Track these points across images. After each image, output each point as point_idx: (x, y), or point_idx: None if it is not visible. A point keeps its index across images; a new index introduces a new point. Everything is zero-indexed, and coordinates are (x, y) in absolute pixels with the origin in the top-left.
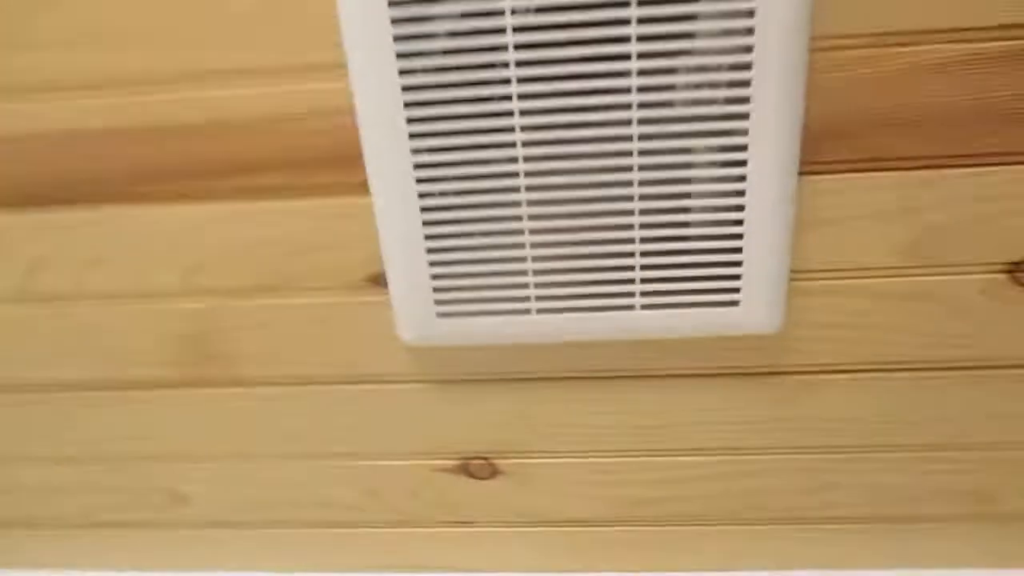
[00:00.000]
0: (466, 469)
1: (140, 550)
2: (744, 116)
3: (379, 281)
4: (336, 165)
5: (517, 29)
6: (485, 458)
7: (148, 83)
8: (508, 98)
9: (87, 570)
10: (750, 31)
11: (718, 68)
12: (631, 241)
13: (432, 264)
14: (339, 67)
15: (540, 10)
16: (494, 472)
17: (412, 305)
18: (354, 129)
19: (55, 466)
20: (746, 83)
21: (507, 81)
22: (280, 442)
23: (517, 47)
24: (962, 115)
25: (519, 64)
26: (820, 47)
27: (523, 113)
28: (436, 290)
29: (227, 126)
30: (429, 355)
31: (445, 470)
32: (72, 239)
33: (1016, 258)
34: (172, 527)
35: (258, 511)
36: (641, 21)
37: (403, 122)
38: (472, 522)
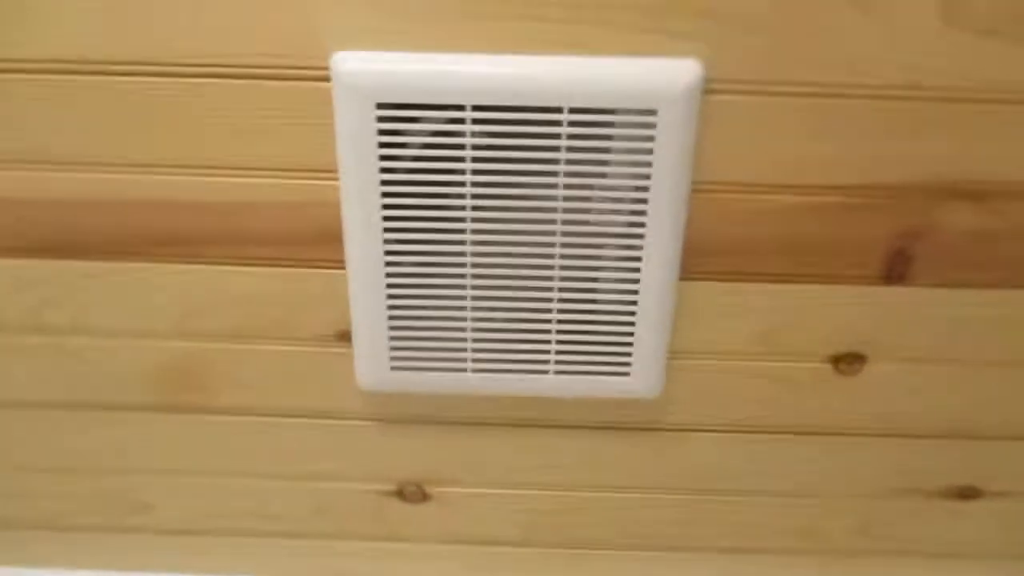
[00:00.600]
0: (401, 494)
1: (105, 552)
2: (640, 235)
3: (345, 337)
4: (319, 243)
5: (475, 147)
6: (418, 485)
7: (167, 166)
8: (463, 197)
9: (58, 568)
10: (648, 176)
11: (623, 197)
12: (549, 321)
13: (391, 327)
14: (330, 171)
15: (494, 135)
16: (424, 497)
17: (371, 359)
18: (337, 217)
19: (35, 474)
20: (643, 212)
21: (463, 184)
22: (243, 462)
23: (474, 159)
24: (797, 245)
25: (475, 172)
26: (698, 189)
27: (475, 209)
28: (392, 348)
29: (233, 205)
30: (379, 398)
31: (383, 493)
32: (83, 285)
33: (837, 353)
34: (136, 532)
35: (217, 520)
36: (569, 156)
37: (379, 215)
38: (404, 539)
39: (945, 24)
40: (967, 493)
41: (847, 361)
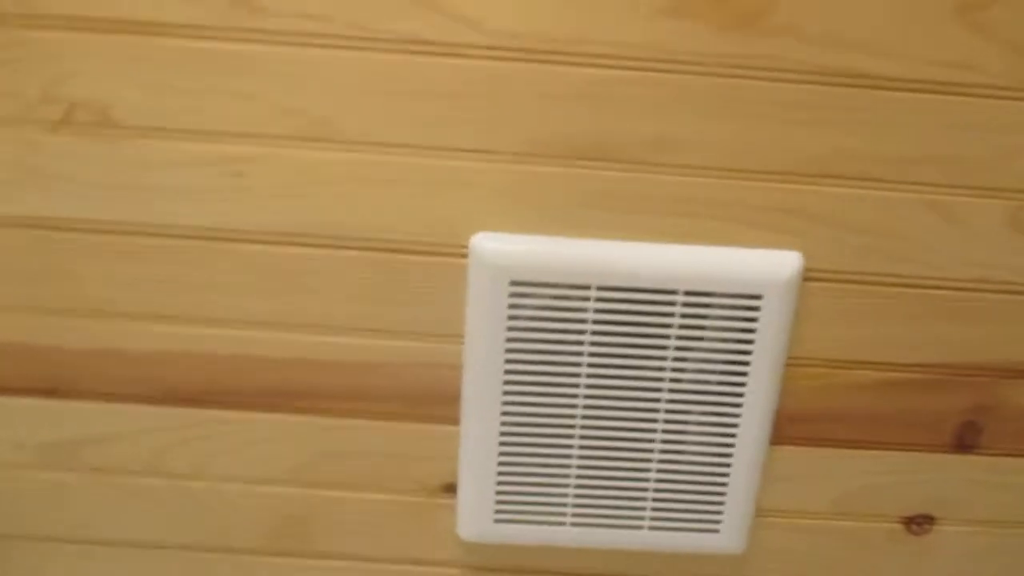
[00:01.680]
0: None
1: None
2: (740, 404)
3: (451, 489)
4: (436, 402)
5: (596, 322)
6: None
7: (303, 326)
8: (580, 366)
9: None
10: (750, 352)
11: (726, 370)
12: (648, 480)
13: (498, 482)
14: (456, 336)
15: (614, 311)
16: None
17: (475, 511)
18: (456, 378)
19: None
20: (743, 383)
21: (581, 355)
22: None
23: (594, 332)
24: (876, 416)
25: (592, 344)
26: (792, 363)
27: (589, 376)
28: (497, 501)
29: (361, 366)
30: (478, 549)
31: None
32: (207, 432)
33: (910, 514)
34: None
35: None
36: (680, 332)
37: (500, 378)
38: None
39: (1013, 230)
40: None
41: (918, 522)
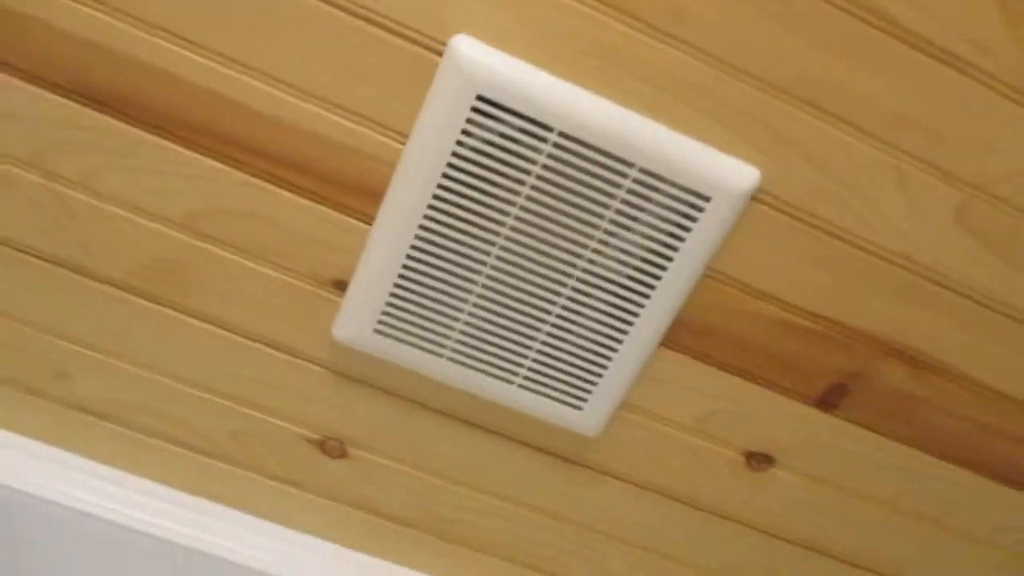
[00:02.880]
0: (323, 446)
1: (5, 408)
2: (647, 295)
3: (341, 287)
4: (357, 193)
5: (544, 167)
6: (341, 442)
7: (251, 68)
8: (513, 205)
9: None
10: (676, 249)
11: (648, 259)
12: (535, 340)
13: (392, 293)
14: (401, 134)
15: (565, 163)
16: (342, 455)
17: (358, 315)
18: (386, 176)
19: None
20: (658, 277)
21: (518, 195)
22: (184, 367)
23: (537, 177)
24: (764, 350)
25: (532, 188)
26: (708, 274)
27: (516, 220)
28: (384, 314)
29: (295, 128)
30: (345, 353)
31: (306, 440)
32: (110, 144)
33: (754, 450)
34: (47, 397)
35: (131, 413)
36: (619, 207)
37: (429, 191)
38: (302, 486)
39: (955, 222)
40: None
41: (757, 459)
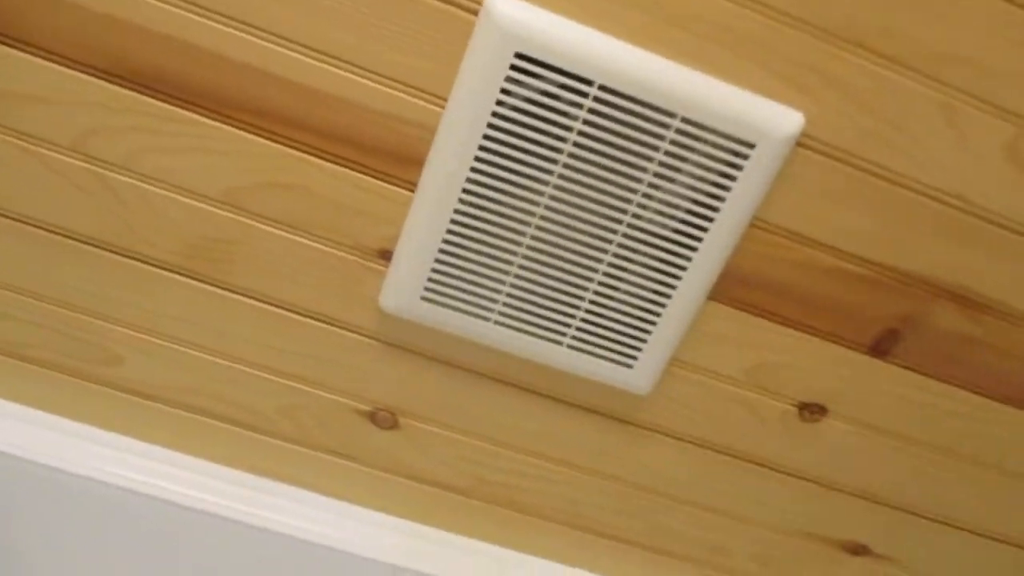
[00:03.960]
0: (373, 417)
1: (60, 394)
2: (694, 248)
3: (386, 256)
4: (399, 161)
5: (586, 122)
6: (392, 413)
7: (286, 39)
8: (556, 163)
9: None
10: (723, 199)
11: (694, 210)
12: (583, 299)
13: (437, 260)
14: (440, 97)
15: (607, 117)
16: (394, 425)
17: (405, 284)
18: (427, 142)
19: (11, 294)
20: (705, 228)
21: (561, 152)
22: (232, 344)
23: (580, 133)
24: (814, 299)
25: (575, 145)
26: (754, 224)
27: (560, 178)
28: (430, 280)
29: (331, 97)
30: (394, 323)
31: (357, 412)
32: (148, 124)
33: (807, 400)
34: (99, 382)
35: (181, 394)
36: (663, 159)
37: (471, 154)
38: (356, 459)
39: (1007, 159)
40: (858, 550)
41: (811, 410)
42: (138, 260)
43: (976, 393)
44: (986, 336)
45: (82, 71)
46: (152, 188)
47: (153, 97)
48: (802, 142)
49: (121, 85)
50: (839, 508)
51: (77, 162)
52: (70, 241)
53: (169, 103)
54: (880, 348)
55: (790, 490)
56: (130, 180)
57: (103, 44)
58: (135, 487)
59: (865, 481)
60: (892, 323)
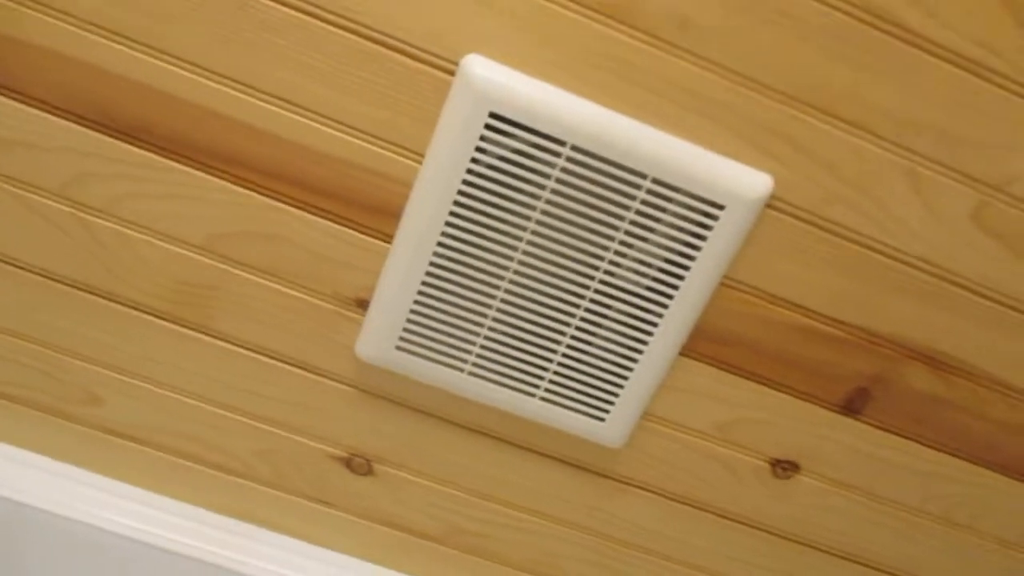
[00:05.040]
0: (349, 463)
1: (40, 432)
2: (666, 305)
3: (363, 305)
4: (376, 213)
5: (559, 181)
6: (367, 459)
7: (268, 94)
8: (529, 220)
9: None
10: (693, 258)
11: (665, 268)
12: (555, 352)
13: (412, 311)
14: (417, 153)
15: (579, 177)
16: (368, 471)
17: (380, 333)
18: (403, 195)
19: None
20: (676, 286)
21: (534, 209)
22: (210, 387)
23: (553, 191)
24: (785, 357)
25: (548, 203)
26: (725, 283)
27: (533, 234)
28: (405, 330)
29: (311, 151)
30: (370, 371)
31: (332, 458)
32: (133, 172)
33: (780, 457)
34: (78, 422)
35: (160, 435)
36: (633, 218)
37: (447, 208)
38: (330, 503)
39: (973, 223)
40: None
41: (783, 466)
42: (119, 303)
43: (946, 453)
44: (955, 396)
45: (69, 119)
46: (134, 233)
47: (138, 146)
48: (771, 204)
49: (106, 134)
50: (812, 565)
51: (62, 207)
52: (53, 283)
53: (153, 152)
54: (851, 406)
55: (763, 545)
56: (113, 225)
57: (90, 94)
58: (111, 527)
59: (837, 538)
60: (862, 382)
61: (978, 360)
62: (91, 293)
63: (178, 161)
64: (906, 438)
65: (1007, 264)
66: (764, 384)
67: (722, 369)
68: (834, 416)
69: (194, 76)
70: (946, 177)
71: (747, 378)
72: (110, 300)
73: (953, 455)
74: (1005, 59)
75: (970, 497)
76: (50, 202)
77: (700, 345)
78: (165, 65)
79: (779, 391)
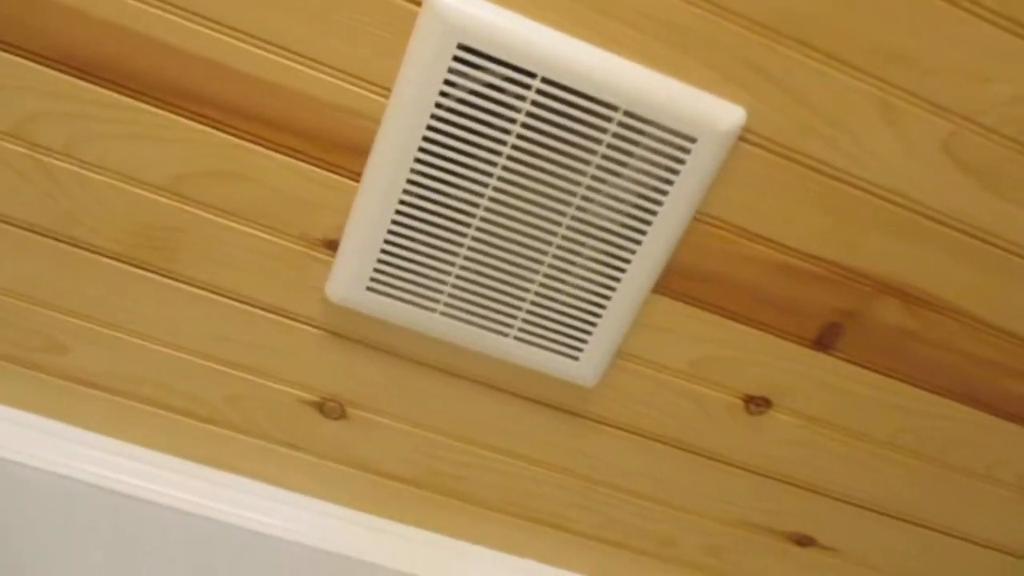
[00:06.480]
0: (321, 407)
1: (2, 382)
2: (639, 241)
3: (332, 246)
4: (344, 151)
5: (529, 114)
6: (340, 403)
7: (230, 28)
8: (499, 155)
9: None
10: (665, 192)
11: (637, 203)
12: (528, 291)
13: (383, 250)
14: (385, 88)
15: (550, 110)
16: (341, 415)
17: (351, 274)
18: (372, 132)
19: None
20: (648, 222)
21: (504, 144)
22: (177, 333)
23: (523, 125)
24: (758, 292)
25: (518, 137)
26: (698, 219)
27: (504, 170)
28: (375, 270)
29: (276, 87)
30: (340, 313)
31: (304, 402)
32: (92, 112)
33: (752, 393)
34: (43, 371)
35: (127, 382)
36: (605, 152)
37: (415, 144)
38: (303, 449)
39: (944, 153)
40: (804, 541)
41: (757, 402)
42: (81, 248)
43: (917, 387)
44: (927, 331)
45: (23, 56)
46: (94, 175)
47: (95, 84)
48: (744, 137)
49: (64, 72)
50: (786, 500)
51: (17, 148)
52: (11, 228)
53: (112, 90)
54: (823, 342)
55: (737, 482)
56: (72, 167)
57: (45, 29)
58: (80, 476)
59: (810, 473)
60: (835, 317)
61: (949, 294)
62: (51, 238)
63: (139, 99)
64: (878, 372)
65: (978, 197)
66: (736, 320)
67: (695, 306)
68: (807, 351)
69: (153, 10)
70: (918, 107)
71: (720, 314)
72: (72, 245)
73: (924, 389)
74: None
75: (940, 430)
76: (5, 143)
77: (673, 282)
78: (124, 0)
79: (752, 327)
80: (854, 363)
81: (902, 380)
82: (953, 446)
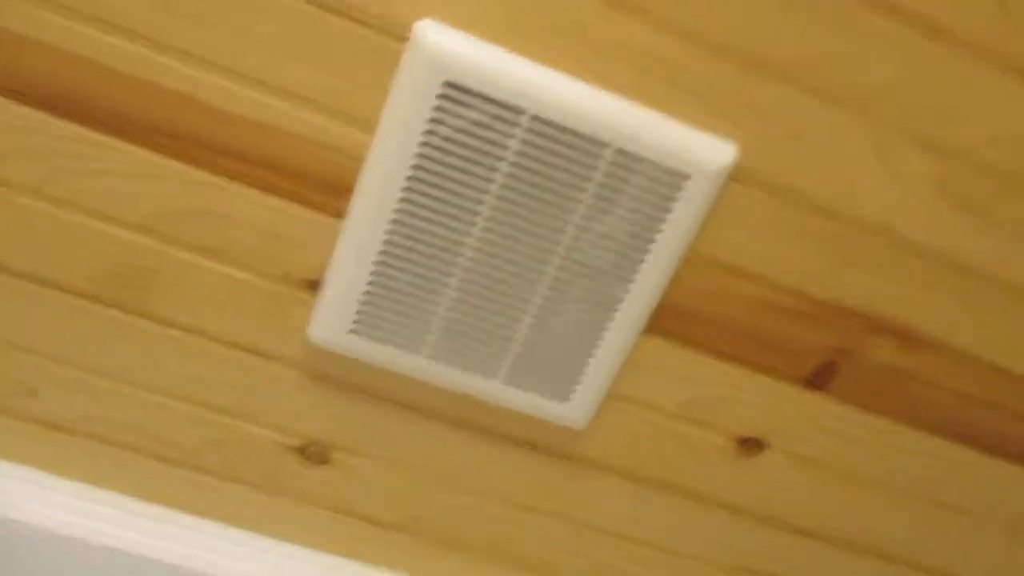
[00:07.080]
0: (303, 452)
1: None
2: (631, 281)
3: (314, 287)
4: (327, 189)
5: (518, 153)
6: (322, 448)
7: (215, 65)
8: (487, 193)
9: None
10: (658, 230)
11: (629, 242)
12: (516, 332)
13: (366, 292)
14: (369, 126)
15: (539, 148)
16: (323, 461)
17: (333, 315)
18: (356, 171)
19: None
20: (640, 260)
21: (492, 182)
22: (153, 375)
23: (512, 164)
24: (750, 332)
25: (507, 175)
26: (689, 257)
27: (492, 209)
28: (359, 312)
29: (260, 125)
30: (322, 355)
31: (285, 447)
32: (63, 148)
33: (745, 435)
34: (12, 416)
35: (101, 425)
36: (596, 191)
37: (400, 184)
38: (285, 494)
39: (937, 194)
40: None
41: (749, 445)
42: (53, 288)
43: (911, 426)
44: (920, 370)
45: None
46: (68, 214)
47: (68, 120)
48: (735, 175)
49: (33, 107)
50: (777, 543)
51: None
52: None
53: (84, 126)
54: (816, 382)
55: (729, 525)
56: (44, 205)
57: (15, 64)
58: (52, 526)
59: (803, 515)
60: (829, 356)
61: (943, 333)
62: (21, 278)
63: (111, 135)
64: (872, 412)
65: (971, 234)
66: (729, 360)
67: (687, 346)
68: (800, 391)
69: (128, 44)
70: (910, 145)
71: (712, 355)
72: (43, 285)
73: (918, 428)
74: (968, 25)
75: (935, 470)
76: None
77: (665, 321)
78: (94, 33)
79: (744, 367)
80: (847, 403)
81: (897, 419)
82: (948, 486)
